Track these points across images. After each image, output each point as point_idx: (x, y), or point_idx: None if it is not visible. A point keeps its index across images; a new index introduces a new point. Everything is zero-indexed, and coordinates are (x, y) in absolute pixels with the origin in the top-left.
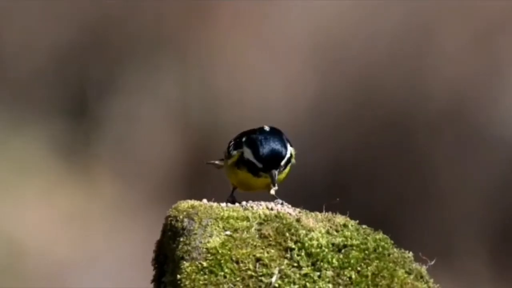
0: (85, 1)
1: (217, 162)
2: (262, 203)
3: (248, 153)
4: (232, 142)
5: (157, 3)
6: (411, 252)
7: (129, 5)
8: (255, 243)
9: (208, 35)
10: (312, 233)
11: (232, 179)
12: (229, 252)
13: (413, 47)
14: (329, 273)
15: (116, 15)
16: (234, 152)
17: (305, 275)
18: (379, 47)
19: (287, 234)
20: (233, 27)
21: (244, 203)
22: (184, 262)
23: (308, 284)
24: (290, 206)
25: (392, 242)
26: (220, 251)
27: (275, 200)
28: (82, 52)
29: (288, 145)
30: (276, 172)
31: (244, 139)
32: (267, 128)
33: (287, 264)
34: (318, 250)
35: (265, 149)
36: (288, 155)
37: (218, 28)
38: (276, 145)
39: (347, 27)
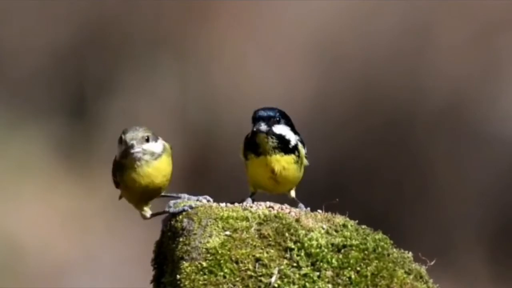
0: (84, 0)
1: None
2: (262, 203)
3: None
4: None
5: (156, 2)
6: (410, 252)
7: (127, 4)
8: (254, 243)
9: (207, 35)
10: (312, 233)
11: (249, 177)
12: (228, 252)
13: (412, 46)
14: (329, 273)
15: (115, 14)
16: (241, 145)
17: (305, 275)
18: (378, 46)
19: (287, 234)
20: (232, 27)
21: (244, 203)
22: (184, 262)
23: (307, 284)
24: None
25: (392, 242)
26: (219, 251)
27: (299, 205)
28: (81, 51)
29: (297, 136)
30: (263, 125)
31: None
32: None
33: (286, 264)
34: (318, 250)
35: (258, 110)
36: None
37: (217, 27)
38: (269, 109)
39: (346, 26)
